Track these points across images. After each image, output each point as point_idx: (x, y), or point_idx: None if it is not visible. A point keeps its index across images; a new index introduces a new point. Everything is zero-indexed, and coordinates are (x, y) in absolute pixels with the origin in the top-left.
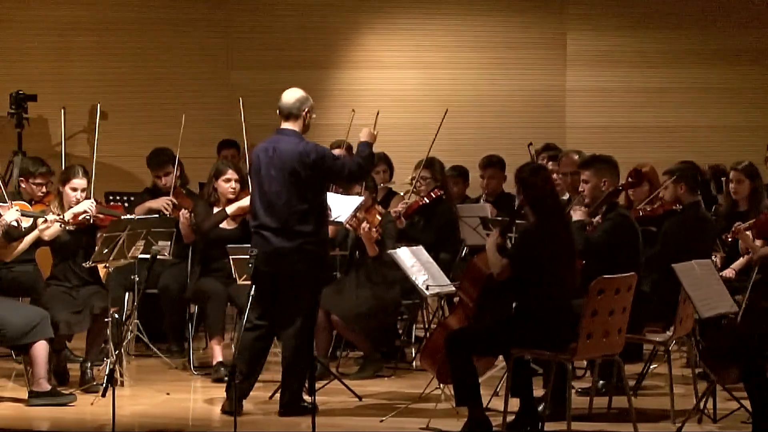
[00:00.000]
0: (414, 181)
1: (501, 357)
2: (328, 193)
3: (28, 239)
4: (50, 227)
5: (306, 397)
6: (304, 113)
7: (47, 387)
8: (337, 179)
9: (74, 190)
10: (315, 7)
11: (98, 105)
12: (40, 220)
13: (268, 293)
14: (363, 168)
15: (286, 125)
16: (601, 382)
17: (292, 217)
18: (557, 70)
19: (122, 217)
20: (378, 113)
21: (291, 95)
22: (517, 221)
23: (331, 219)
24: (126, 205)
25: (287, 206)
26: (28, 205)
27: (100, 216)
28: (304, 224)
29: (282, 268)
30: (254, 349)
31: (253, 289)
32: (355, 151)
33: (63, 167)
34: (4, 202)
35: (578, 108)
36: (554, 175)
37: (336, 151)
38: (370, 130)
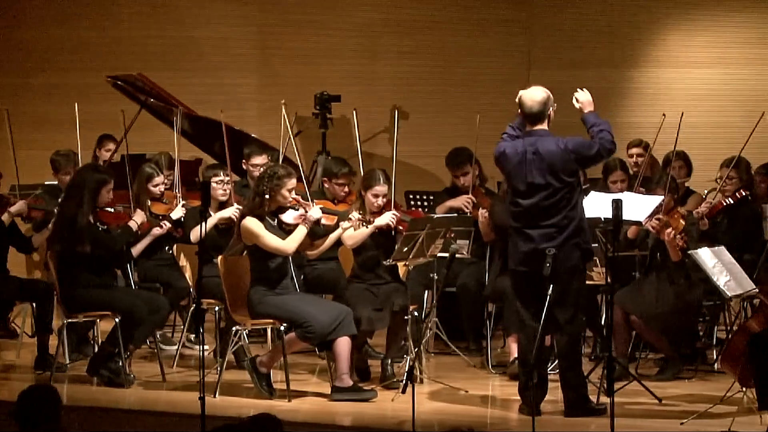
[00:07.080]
0: (720, 181)
1: None
2: (626, 192)
3: (332, 238)
4: (353, 228)
5: (603, 398)
6: (549, 112)
7: (349, 382)
8: (595, 161)
9: (376, 196)
10: (617, 6)
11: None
12: (344, 223)
13: (536, 293)
14: (605, 138)
15: (536, 127)
16: None
17: (560, 216)
18: None
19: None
20: (664, 116)
21: (534, 99)
22: None
23: (630, 219)
24: (425, 204)
25: (554, 205)
26: (332, 204)
27: (402, 223)
28: (571, 221)
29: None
30: (537, 351)
31: (550, 289)
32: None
33: (360, 168)
34: (306, 201)
35: None
36: None
37: (633, 150)
38: (588, 98)
